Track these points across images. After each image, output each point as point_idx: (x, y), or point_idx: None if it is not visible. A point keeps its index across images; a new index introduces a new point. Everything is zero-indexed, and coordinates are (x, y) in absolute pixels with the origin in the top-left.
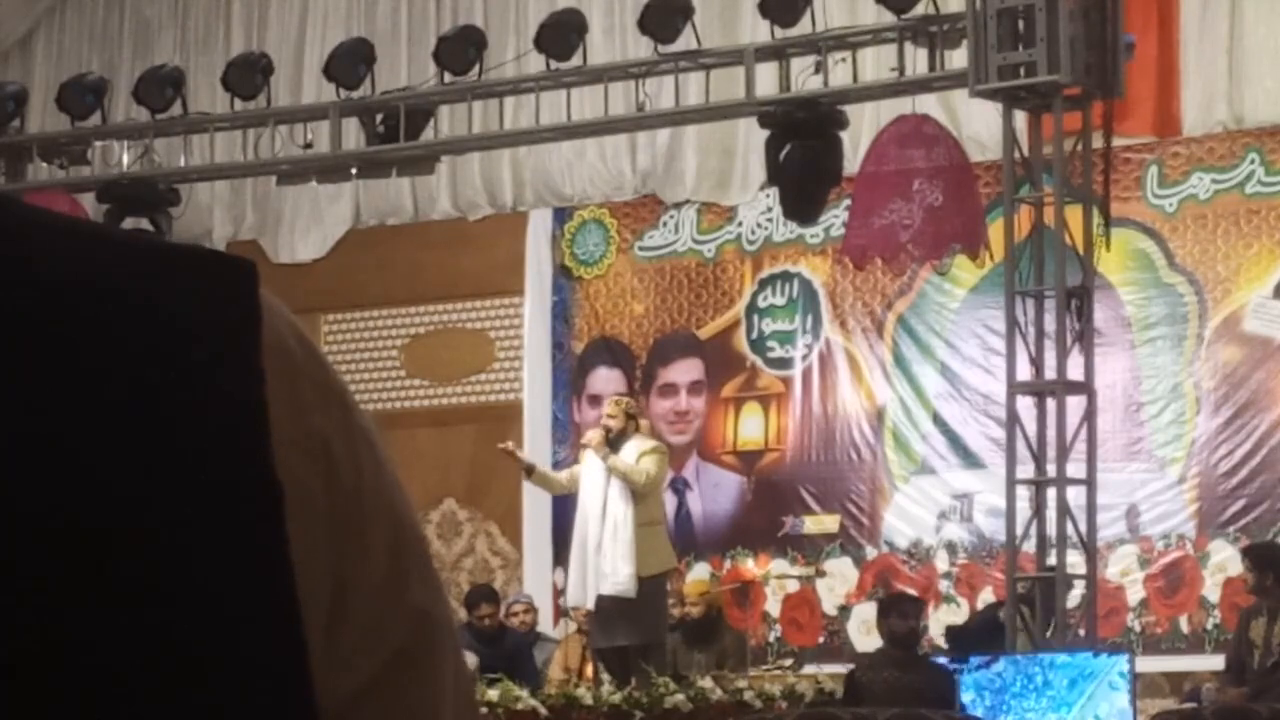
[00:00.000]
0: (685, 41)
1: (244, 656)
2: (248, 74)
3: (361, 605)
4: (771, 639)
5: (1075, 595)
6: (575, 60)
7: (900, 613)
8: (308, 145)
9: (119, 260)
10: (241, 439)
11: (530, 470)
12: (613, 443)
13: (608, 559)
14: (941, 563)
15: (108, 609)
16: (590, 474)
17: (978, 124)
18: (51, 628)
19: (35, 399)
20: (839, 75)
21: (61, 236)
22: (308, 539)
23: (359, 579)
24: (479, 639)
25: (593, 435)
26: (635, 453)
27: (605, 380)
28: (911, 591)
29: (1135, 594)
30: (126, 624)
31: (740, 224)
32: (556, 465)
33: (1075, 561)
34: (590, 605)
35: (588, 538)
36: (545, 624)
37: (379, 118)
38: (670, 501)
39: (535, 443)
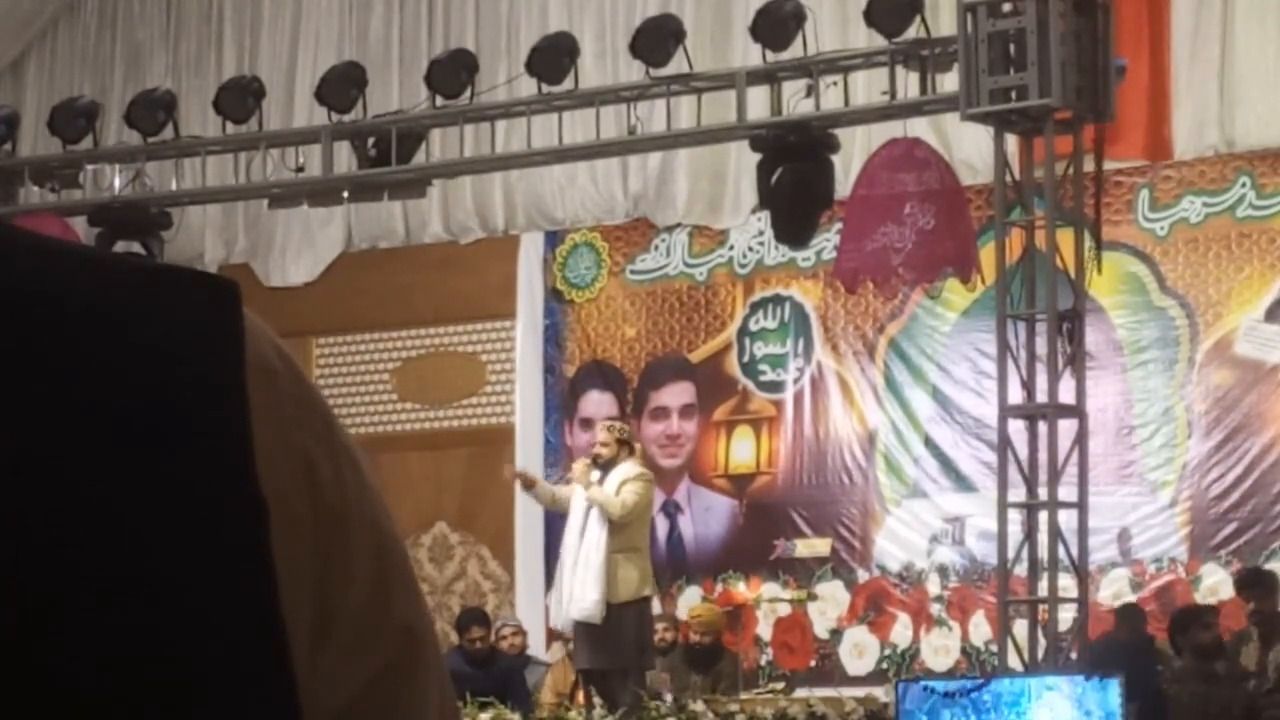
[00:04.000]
0: (677, 65)
1: (228, 673)
2: (239, 97)
3: (346, 622)
4: (763, 662)
5: (1067, 618)
6: (567, 84)
7: (1203, 623)
8: (299, 169)
9: (101, 281)
10: (225, 457)
11: (531, 484)
12: (602, 467)
13: (578, 583)
14: (933, 586)
15: (90, 625)
16: (577, 498)
17: (969, 147)
18: (31, 644)
19: (15, 417)
20: (830, 99)
21: (42, 257)
22: (292, 556)
23: (344, 595)
24: (470, 662)
25: (578, 465)
26: (618, 480)
27: (597, 404)
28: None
29: None
30: (109, 641)
31: (732, 247)
32: None
33: (1067, 585)
34: (560, 626)
35: (564, 561)
36: (537, 647)
37: (371, 141)
38: (662, 525)
39: (527, 466)
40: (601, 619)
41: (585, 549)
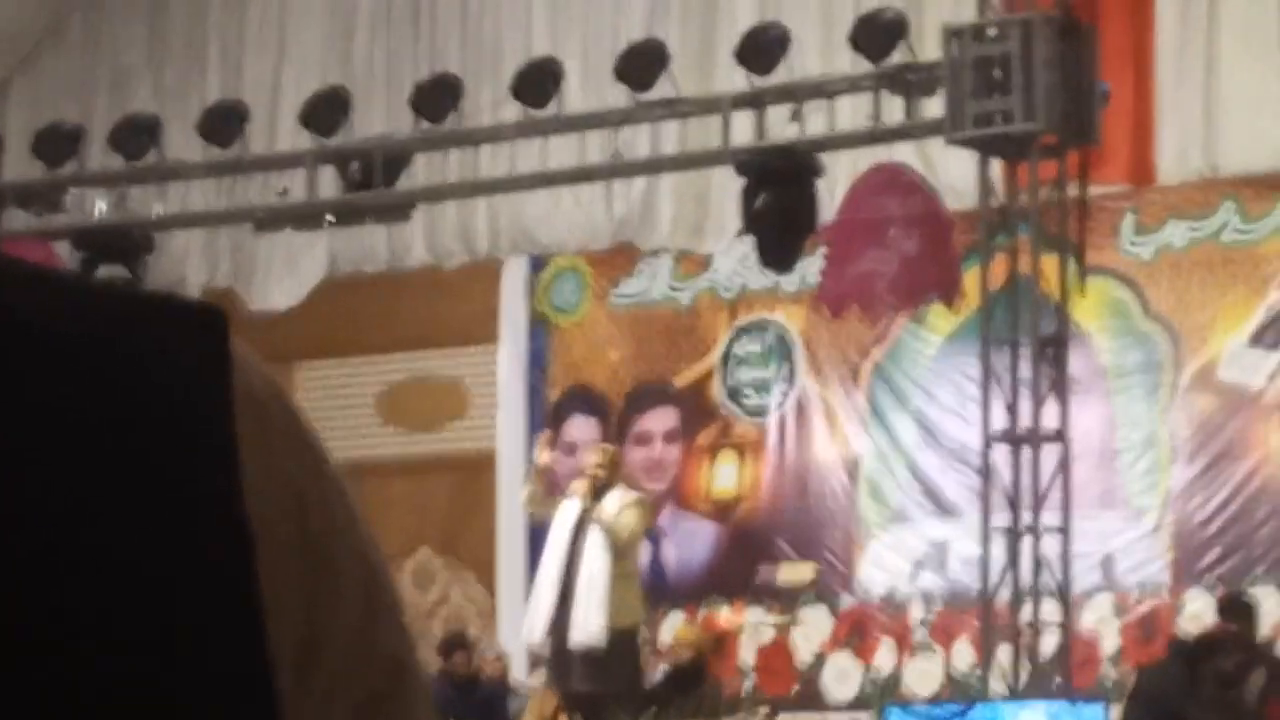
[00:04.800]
0: (662, 89)
1: (213, 702)
2: (224, 121)
3: (334, 652)
4: (746, 687)
5: (1050, 644)
6: (552, 108)
7: (1225, 651)
8: (283, 193)
9: (88, 307)
10: (212, 486)
11: (545, 471)
12: (597, 492)
13: (580, 608)
14: (917, 611)
15: (72, 652)
16: (563, 518)
17: (953, 172)
18: (11, 670)
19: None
20: (815, 123)
21: (29, 283)
22: (279, 586)
23: (331, 626)
24: (452, 687)
25: (581, 484)
26: (618, 504)
27: (581, 428)
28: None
29: (1111, 643)
30: (90, 668)
31: (716, 272)
32: (530, 515)
33: (1051, 610)
34: (537, 639)
35: (544, 580)
36: (520, 672)
37: (355, 165)
38: (645, 550)
39: (510, 491)
40: (605, 644)
41: (588, 574)
